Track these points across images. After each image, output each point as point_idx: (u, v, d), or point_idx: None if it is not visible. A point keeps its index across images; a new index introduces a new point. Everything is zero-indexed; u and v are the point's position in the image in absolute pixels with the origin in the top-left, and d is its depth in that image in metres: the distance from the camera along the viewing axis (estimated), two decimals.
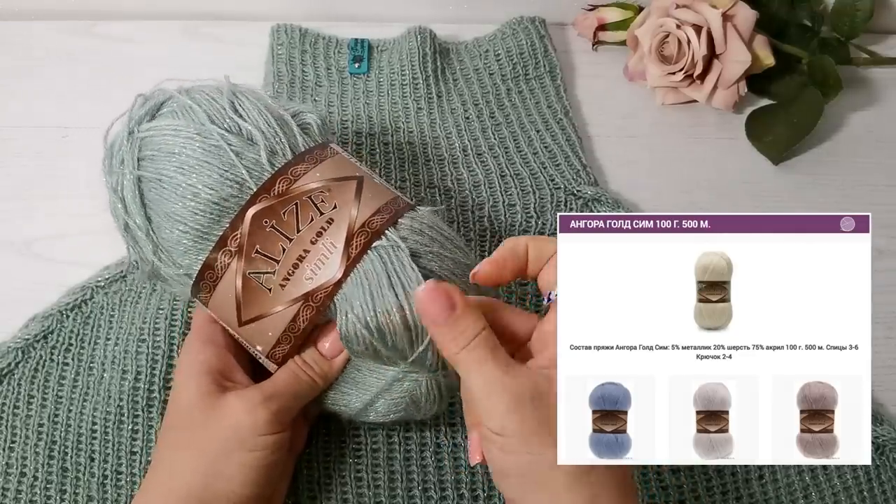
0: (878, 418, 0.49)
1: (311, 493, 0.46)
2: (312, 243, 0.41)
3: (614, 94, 0.64)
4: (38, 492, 0.46)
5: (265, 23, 0.64)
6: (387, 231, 0.41)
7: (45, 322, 0.50)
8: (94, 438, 0.47)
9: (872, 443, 0.47)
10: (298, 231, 0.41)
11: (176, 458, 0.41)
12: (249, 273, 0.41)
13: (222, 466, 0.39)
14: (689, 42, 0.59)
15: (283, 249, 0.41)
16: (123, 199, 0.43)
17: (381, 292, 0.40)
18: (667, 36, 0.60)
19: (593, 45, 0.66)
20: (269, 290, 0.41)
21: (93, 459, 0.47)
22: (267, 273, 0.41)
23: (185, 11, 0.67)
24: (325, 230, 0.41)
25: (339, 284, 0.40)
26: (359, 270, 0.40)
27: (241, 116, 0.43)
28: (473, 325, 0.36)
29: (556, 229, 0.53)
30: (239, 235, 0.41)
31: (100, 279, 0.52)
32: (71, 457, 0.47)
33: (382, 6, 0.67)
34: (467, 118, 0.59)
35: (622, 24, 0.64)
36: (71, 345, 0.50)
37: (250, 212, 0.41)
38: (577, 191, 0.56)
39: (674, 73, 0.61)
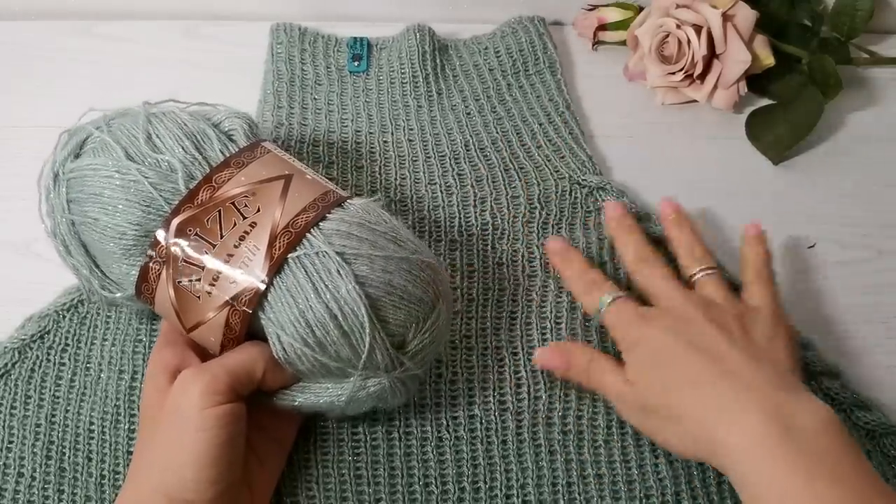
0: (867, 405, 0.49)
1: (309, 492, 0.46)
2: (235, 247, 0.41)
3: (614, 93, 0.64)
4: (36, 492, 0.46)
5: (265, 23, 0.64)
6: (310, 235, 0.41)
7: (42, 322, 0.50)
8: (92, 438, 0.47)
9: (863, 429, 0.48)
10: (222, 237, 0.41)
11: (143, 457, 0.42)
12: (178, 282, 0.41)
13: (175, 455, 0.39)
14: (689, 42, 0.59)
15: (207, 253, 0.41)
16: (63, 241, 0.44)
17: (309, 305, 0.40)
18: (667, 36, 0.60)
19: (593, 45, 0.65)
20: (199, 297, 0.41)
21: (90, 459, 0.47)
22: (194, 280, 0.41)
23: (185, 11, 0.67)
24: (247, 234, 0.41)
25: (263, 282, 0.40)
26: (282, 288, 0.40)
27: (156, 148, 0.44)
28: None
29: (559, 219, 0.53)
30: (165, 247, 0.41)
31: (89, 301, 0.51)
32: (68, 457, 0.47)
33: (383, 6, 0.67)
34: (468, 114, 0.59)
35: (622, 24, 0.64)
36: (67, 345, 0.50)
37: (174, 222, 0.41)
38: (582, 180, 0.56)
39: (674, 73, 0.60)
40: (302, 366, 0.41)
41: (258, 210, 0.42)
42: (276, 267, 0.40)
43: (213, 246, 0.41)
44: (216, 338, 0.42)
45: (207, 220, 0.41)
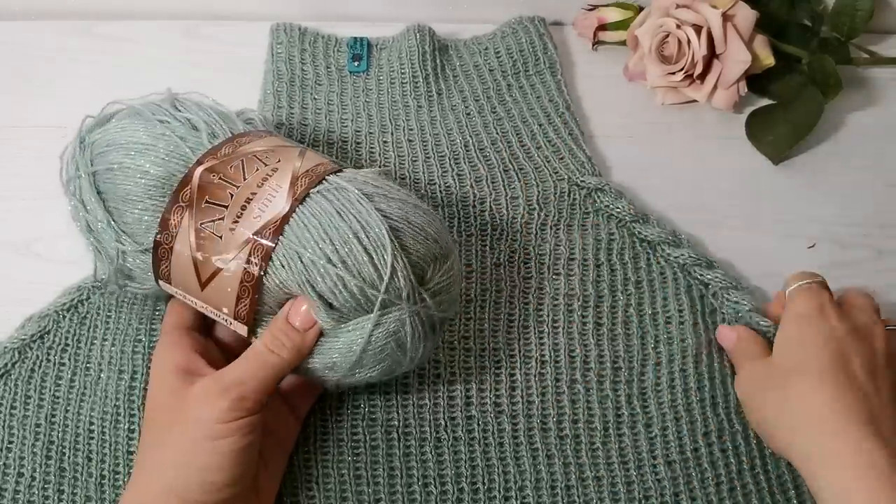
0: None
1: (309, 492, 0.46)
2: (259, 187, 0.43)
3: (614, 93, 0.64)
4: (36, 492, 0.46)
5: (265, 23, 0.64)
6: (329, 177, 0.43)
7: (42, 322, 0.50)
8: (92, 438, 0.47)
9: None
10: (245, 179, 0.43)
11: (152, 457, 0.42)
12: (201, 224, 0.42)
13: (192, 458, 0.40)
14: (689, 42, 0.59)
15: (231, 195, 0.42)
16: (81, 199, 0.45)
17: (333, 225, 0.41)
18: (667, 36, 0.60)
19: (593, 45, 0.65)
20: (221, 236, 0.42)
21: (90, 459, 0.47)
22: (217, 220, 0.42)
23: (185, 11, 0.67)
24: (270, 176, 0.43)
25: (286, 218, 0.41)
26: (305, 214, 0.42)
27: (181, 110, 0.47)
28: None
29: (558, 220, 0.54)
30: (189, 190, 0.43)
31: (96, 279, 0.52)
32: (68, 457, 0.47)
33: (382, 6, 0.67)
34: (468, 114, 0.60)
35: (622, 24, 0.64)
36: (67, 345, 0.50)
37: (198, 170, 0.43)
38: (581, 181, 0.55)
39: (674, 73, 0.60)
40: (323, 284, 0.41)
41: (279, 160, 0.44)
42: (300, 199, 0.42)
43: (237, 186, 0.43)
44: (232, 288, 0.42)
45: (231, 167, 0.43)
